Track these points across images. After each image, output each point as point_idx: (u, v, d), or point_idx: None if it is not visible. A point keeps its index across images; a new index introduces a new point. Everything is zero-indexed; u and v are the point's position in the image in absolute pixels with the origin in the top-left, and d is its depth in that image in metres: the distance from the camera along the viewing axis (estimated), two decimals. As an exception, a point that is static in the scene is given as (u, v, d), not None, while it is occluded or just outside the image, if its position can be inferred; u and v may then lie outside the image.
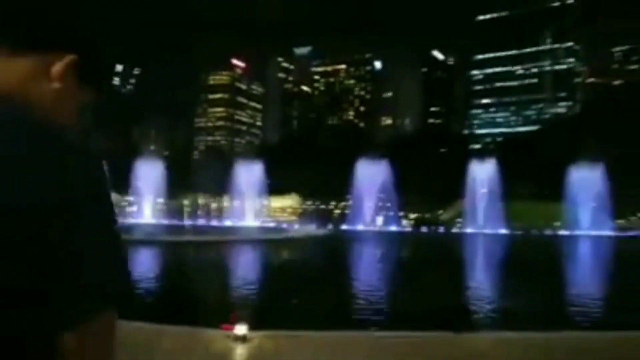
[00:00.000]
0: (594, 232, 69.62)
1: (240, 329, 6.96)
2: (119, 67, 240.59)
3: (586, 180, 74.85)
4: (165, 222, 73.15)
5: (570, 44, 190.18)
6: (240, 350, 6.70)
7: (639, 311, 12.57)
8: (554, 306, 13.06)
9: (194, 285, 16.51)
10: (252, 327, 7.21)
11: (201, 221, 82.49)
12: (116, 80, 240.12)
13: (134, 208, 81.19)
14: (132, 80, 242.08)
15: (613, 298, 15.34)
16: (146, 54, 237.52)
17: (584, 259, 34.37)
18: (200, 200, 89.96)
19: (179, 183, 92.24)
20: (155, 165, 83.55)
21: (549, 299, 14.08)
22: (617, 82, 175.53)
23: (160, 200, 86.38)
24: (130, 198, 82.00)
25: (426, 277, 18.69)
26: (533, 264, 25.66)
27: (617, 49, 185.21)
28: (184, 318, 8.94)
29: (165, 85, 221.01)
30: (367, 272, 22.86)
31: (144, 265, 20.68)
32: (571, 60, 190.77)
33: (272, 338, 7.46)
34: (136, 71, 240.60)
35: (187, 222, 78.87)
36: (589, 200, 74.62)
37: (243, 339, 6.90)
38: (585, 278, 21.17)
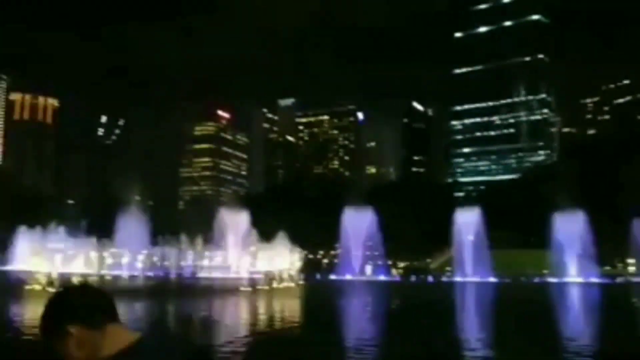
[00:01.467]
0: (581, 280, 70.40)
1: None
2: (104, 118, 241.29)
3: (569, 228, 76.06)
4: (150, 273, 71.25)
5: (543, 95, 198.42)
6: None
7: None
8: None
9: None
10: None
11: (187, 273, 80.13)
12: (100, 132, 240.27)
13: (119, 259, 78.97)
14: (117, 131, 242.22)
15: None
16: (127, 105, 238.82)
17: (585, 306, 34.77)
18: (190, 251, 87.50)
19: (163, 233, 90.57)
20: (140, 216, 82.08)
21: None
22: (591, 132, 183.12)
23: (145, 251, 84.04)
24: (115, 250, 79.71)
25: (438, 327, 18.72)
26: (539, 313, 25.99)
27: (589, 100, 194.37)
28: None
29: (148, 135, 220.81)
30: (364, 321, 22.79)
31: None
32: (545, 110, 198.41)
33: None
34: (121, 122, 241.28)
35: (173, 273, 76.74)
36: (574, 247, 75.71)
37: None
38: (589, 326, 21.44)
